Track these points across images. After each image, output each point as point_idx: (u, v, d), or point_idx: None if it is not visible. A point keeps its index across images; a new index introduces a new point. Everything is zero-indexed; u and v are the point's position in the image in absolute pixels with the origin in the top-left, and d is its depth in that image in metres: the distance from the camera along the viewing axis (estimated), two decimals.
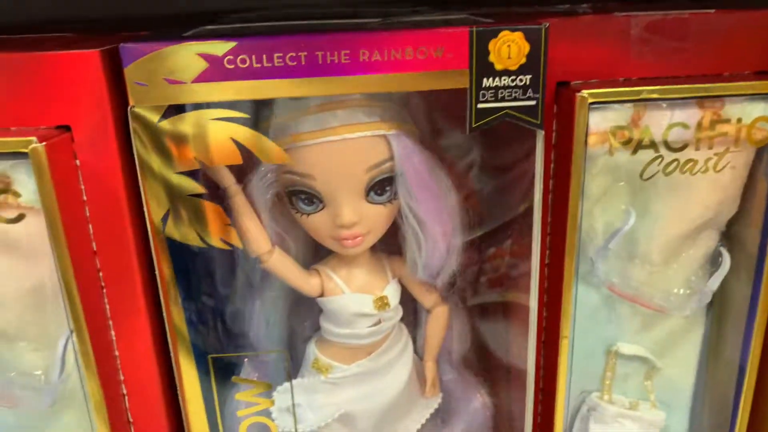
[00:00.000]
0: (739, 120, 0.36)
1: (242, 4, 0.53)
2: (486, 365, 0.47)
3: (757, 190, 0.40)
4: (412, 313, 0.45)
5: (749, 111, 0.36)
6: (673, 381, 0.47)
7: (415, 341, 0.45)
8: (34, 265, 0.33)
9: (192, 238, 0.34)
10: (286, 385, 0.42)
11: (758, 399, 0.43)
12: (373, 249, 0.41)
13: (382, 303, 0.41)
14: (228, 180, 0.36)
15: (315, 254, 0.42)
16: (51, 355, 0.36)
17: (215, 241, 0.35)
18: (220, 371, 0.38)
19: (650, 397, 0.47)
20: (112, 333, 0.35)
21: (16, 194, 0.30)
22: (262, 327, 0.42)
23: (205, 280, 0.37)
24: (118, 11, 0.57)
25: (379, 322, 0.41)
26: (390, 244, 0.42)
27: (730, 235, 0.42)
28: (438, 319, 0.44)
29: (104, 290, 0.34)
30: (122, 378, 0.37)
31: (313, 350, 0.42)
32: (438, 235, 0.39)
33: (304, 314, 0.44)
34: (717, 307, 0.44)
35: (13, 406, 0.35)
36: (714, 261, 0.42)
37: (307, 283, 0.40)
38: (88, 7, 0.54)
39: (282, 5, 0.51)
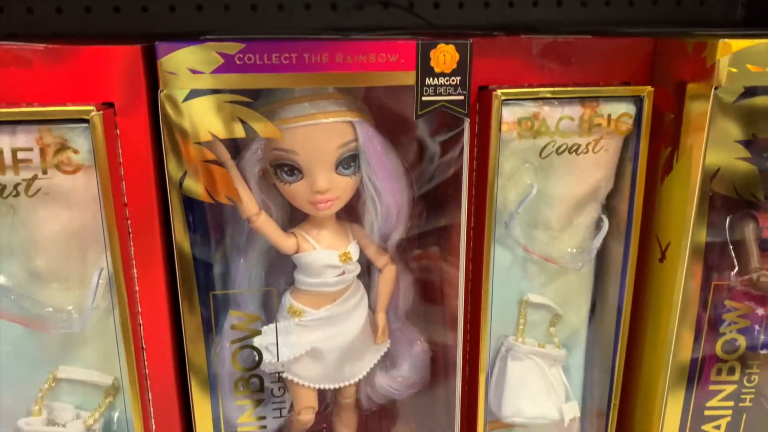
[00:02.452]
0: (609, 115, 0.50)
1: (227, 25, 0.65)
2: (425, 317, 0.58)
3: (625, 171, 0.53)
4: (367, 273, 0.56)
5: (616, 109, 0.50)
6: (571, 326, 0.59)
7: (369, 298, 0.56)
8: (76, 214, 0.42)
9: (203, 195, 0.44)
10: (264, 329, 0.51)
11: (632, 333, 0.56)
12: (339, 218, 0.52)
13: (346, 257, 0.51)
14: (225, 155, 0.46)
15: (291, 220, 0.52)
16: (81, 294, 0.44)
17: (221, 198, 0.45)
18: (217, 306, 0.47)
19: (554, 340, 0.59)
20: (134, 271, 0.44)
21: (75, 151, 0.39)
22: (245, 281, 0.51)
23: (211, 231, 0.47)
24: (119, 28, 0.68)
25: (343, 273, 0.51)
26: (351, 216, 0.53)
27: (608, 206, 0.55)
28: (388, 276, 0.55)
29: (130, 235, 0.43)
30: (139, 310, 0.45)
31: (288, 299, 0.52)
32: (391, 204, 0.50)
33: (279, 273, 0.53)
34: (601, 264, 0.58)
35: (46, 330, 0.43)
36: (597, 226, 0.55)
37: (285, 242, 0.50)
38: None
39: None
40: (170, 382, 0.47)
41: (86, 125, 0.39)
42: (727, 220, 0.53)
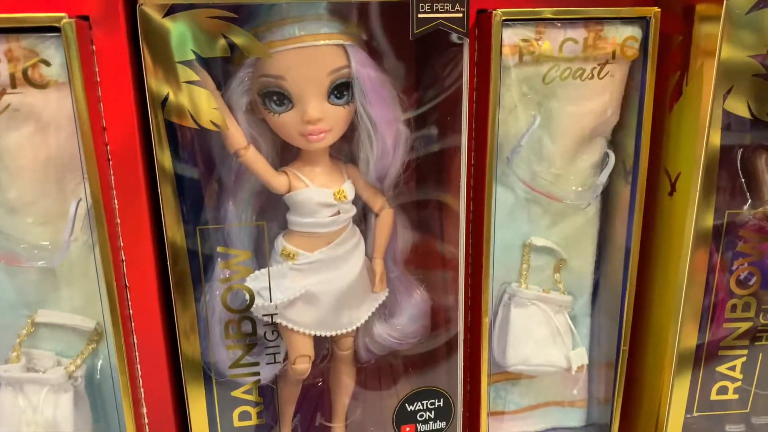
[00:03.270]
0: (615, 38, 0.47)
1: None
2: (424, 264, 0.55)
3: (631, 102, 0.51)
4: (363, 220, 0.53)
5: (621, 32, 0.47)
6: (576, 271, 0.57)
7: (366, 245, 0.53)
8: (51, 137, 0.39)
9: (186, 120, 0.41)
10: (257, 273, 0.48)
11: (641, 275, 0.54)
12: (332, 157, 0.50)
13: (340, 195, 0.48)
14: (210, 85, 0.44)
15: (282, 159, 0.49)
16: (58, 228, 0.42)
17: (205, 123, 0.42)
18: (205, 242, 0.45)
19: (559, 287, 0.56)
20: (115, 202, 0.41)
21: (47, 63, 0.36)
22: (235, 220, 0.48)
23: (197, 161, 0.44)
24: None
25: (338, 213, 0.49)
26: (346, 156, 0.50)
27: (614, 141, 0.53)
28: (385, 220, 0.52)
29: (110, 162, 0.41)
30: (121, 245, 0.43)
31: (280, 242, 0.49)
32: (387, 135, 0.48)
33: (271, 216, 0.51)
34: (607, 205, 0.55)
35: (20, 264, 0.40)
36: (602, 163, 0.53)
37: (276, 179, 0.48)
38: None
39: None
40: (156, 324, 0.45)
41: (58, 35, 0.36)
42: (739, 152, 0.50)
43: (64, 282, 0.44)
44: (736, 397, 0.52)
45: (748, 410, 0.53)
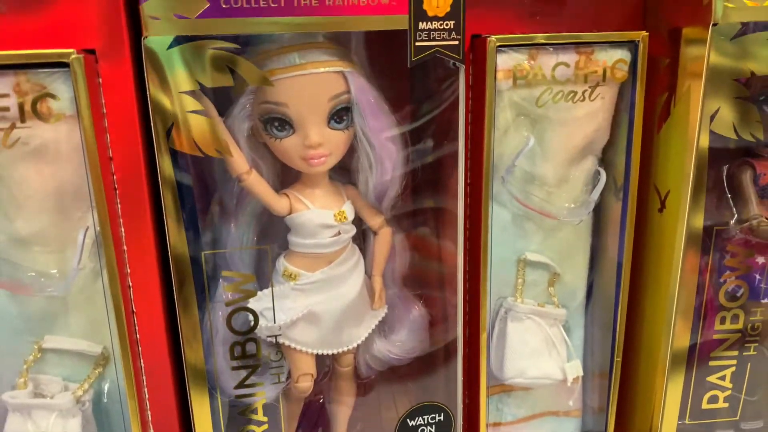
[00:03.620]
0: (605, 62, 0.49)
1: None
2: (421, 281, 0.57)
3: (621, 122, 0.52)
4: (362, 238, 0.54)
5: (611, 55, 0.49)
6: (570, 285, 0.58)
7: (365, 263, 0.54)
8: (59, 169, 0.40)
9: (191, 148, 0.42)
10: (259, 294, 0.49)
11: (632, 288, 0.55)
12: (332, 179, 0.51)
13: (341, 216, 0.50)
14: (213, 114, 0.45)
15: (283, 182, 0.50)
16: (64, 256, 0.42)
17: (210, 151, 0.43)
18: (209, 267, 0.46)
19: (553, 300, 0.58)
20: (122, 229, 0.42)
21: (56, 98, 0.37)
22: (237, 243, 0.49)
23: (200, 189, 0.45)
24: None
25: (339, 233, 0.50)
26: (345, 177, 0.51)
27: (604, 159, 0.55)
28: (383, 238, 0.53)
29: (117, 191, 0.41)
30: (128, 271, 0.43)
31: (282, 263, 0.50)
32: (385, 158, 0.49)
33: (272, 237, 0.52)
34: (599, 221, 0.57)
35: (30, 294, 0.41)
36: (594, 180, 0.54)
37: (278, 202, 0.49)
38: None
39: None
40: (162, 348, 0.45)
41: (66, 70, 0.37)
42: (725, 169, 0.52)
43: (70, 308, 0.44)
44: (726, 405, 0.54)
45: (737, 417, 0.55)
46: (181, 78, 0.41)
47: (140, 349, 0.45)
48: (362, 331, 0.54)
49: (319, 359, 0.53)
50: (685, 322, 0.51)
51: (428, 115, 0.50)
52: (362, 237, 0.54)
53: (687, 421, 0.54)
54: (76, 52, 0.37)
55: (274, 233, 0.51)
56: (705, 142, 0.47)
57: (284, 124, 0.46)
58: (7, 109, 0.37)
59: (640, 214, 0.53)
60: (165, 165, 0.42)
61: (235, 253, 0.49)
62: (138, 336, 0.44)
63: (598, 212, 0.56)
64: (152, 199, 0.43)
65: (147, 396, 0.46)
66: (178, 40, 0.40)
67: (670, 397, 0.53)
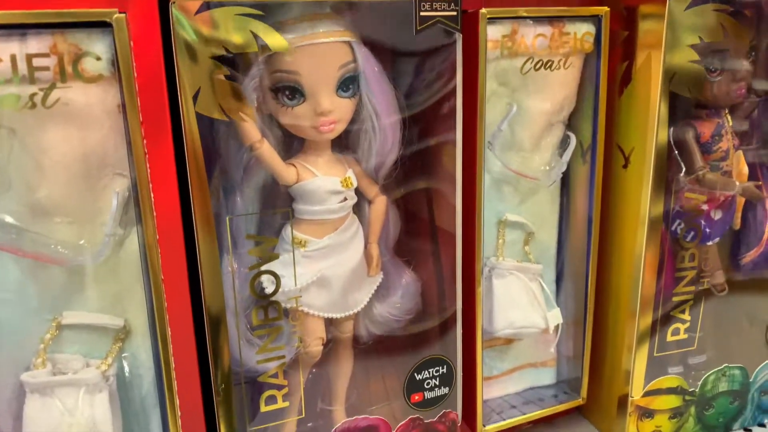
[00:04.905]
0: (575, 33, 0.55)
1: None
2: (411, 249, 0.59)
3: (586, 89, 0.59)
4: (358, 208, 0.56)
5: (580, 28, 0.55)
6: (543, 243, 0.64)
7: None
8: (88, 134, 0.39)
9: (217, 113, 0.43)
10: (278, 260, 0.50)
11: (601, 242, 0.62)
12: (333, 150, 0.53)
13: (347, 182, 0.52)
14: (240, 79, 0.45)
15: (286, 152, 0.52)
16: (86, 228, 0.42)
17: (236, 116, 0.44)
18: (233, 231, 0.46)
19: (530, 257, 0.63)
20: (152, 195, 0.42)
21: (98, 57, 0.37)
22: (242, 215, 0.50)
23: (220, 152, 0.46)
24: None
25: (345, 199, 0.52)
26: (345, 148, 0.54)
27: (571, 125, 0.61)
28: (379, 207, 0.56)
29: (146, 156, 0.41)
30: (156, 238, 0.43)
31: (289, 231, 0.52)
32: (387, 126, 0.52)
33: (276, 206, 0.53)
34: (568, 182, 0.63)
35: (60, 264, 0.40)
36: (564, 144, 0.60)
37: (286, 171, 0.50)
38: None
39: None
40: (187, 318, 0.45)
41: (104, 30, 0.37)
42: (671, 130, 0.59)
43: (90, 281, 0.43)
44: (686, 336, 0.61)
45: (695, 347, 0.62)
46: (208, 43, 0.42)
47: (167, 317, 0.45)
48: (363, 296, 0.56)
49: (326, 326, 0.54)
50: (651, 265, 0.58)
51: (426, 85, 0.53)
52: (358, 207, 0.56)
53: (655, 354, 0.61)
54: (118, 10, 0.37)
55: (275, 204, 0.53)
56: (666, 102, 0.54)
57: (295, 92, 0.48)
58: (46, 68, 0.36)
59: (605, 172, 0.60)
60: (192, 128, 0.42)
61: (261, 218, 0.50)
62: (166, 304, 0.44)
63: (567, 175, 0.62)
64: (178, 162, 0.43)
65: (173, 367, 0.46)
66: (206, 6, 0.41)
67: (641, 336, 0.60)
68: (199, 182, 0.44)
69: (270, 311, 0.49)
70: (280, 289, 0.49)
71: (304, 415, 0.55)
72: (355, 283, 0.55)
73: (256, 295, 0.49)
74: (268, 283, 0.49)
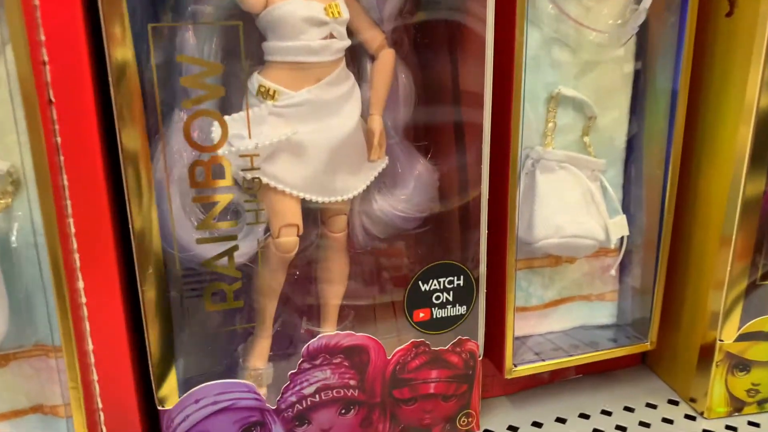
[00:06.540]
0: None
1: None
2: (427, 130, 0.45)
3: None
4: (355, 64, 0.43)
5: None
6: (608, 133, 0.48)
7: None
8: None
9: None
10: (227, 117, 0.37)
11: (688, 128, 0.46)
12: None
13: (333, 9, 0.38)
14: None
15: None
16: None
17: None
18: (160, 50, 0.33)
19: (589, 151, 0.48)
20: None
21: None
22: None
23: None
24: None
25: (331, 36, 0.38)
26: None
27: None
28: (384, 62, 0.42)
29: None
30: (46, 59, 0.31)
31: (256, 78, 0.38)
32: None
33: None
34: (645, 47, 0.47)
35: None
36: None
37: None
38: None
39: None
40: (95, 164, 0.33)
41: None
42: None
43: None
44: None
45: None
46: None
47: (63, 162, 0.32)
48: (359, 183, 0.43)
49: (306, 220, 0.41)
50: (760, 160, 0.41)
51: None
52: (356, 63, 0.42)
53: (757, 284, 0.45)
54: None
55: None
56: None
57: None
58: None
59: (699, 26, 0.43)
60: None
61: (195, 33, 0.36)
62: (60, 151, 0.31)
63: (643, 35, 0.46)
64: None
65: (73, 232, 0.33)
66: None
67: (737, 261, 0.43)
68: None
69: (215, 170, 0.36)
70: (227, 143, 0.36)
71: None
72: (346, 162, 0.41)
73: (192, 144, 0.35)
74: (208, 130, 0.36)
